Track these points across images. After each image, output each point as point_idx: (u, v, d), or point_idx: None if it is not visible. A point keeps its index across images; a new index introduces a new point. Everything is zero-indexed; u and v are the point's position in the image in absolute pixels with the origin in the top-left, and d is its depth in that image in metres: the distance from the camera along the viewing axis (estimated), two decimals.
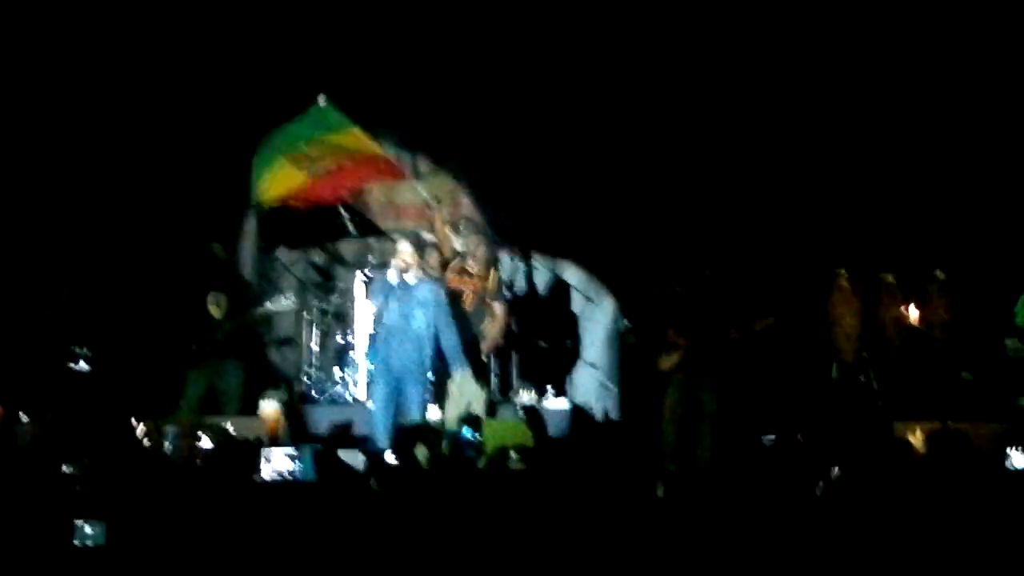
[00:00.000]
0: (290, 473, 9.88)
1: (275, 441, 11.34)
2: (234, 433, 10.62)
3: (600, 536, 7.32)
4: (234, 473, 8.30)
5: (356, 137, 12.84)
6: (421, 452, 9.27)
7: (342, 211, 13.90)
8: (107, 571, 6.80)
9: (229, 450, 8.74)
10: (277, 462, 9.96)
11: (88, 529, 6.82)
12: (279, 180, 12.87)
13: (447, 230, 13.51)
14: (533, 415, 12.11)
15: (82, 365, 12.96)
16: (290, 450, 10.10)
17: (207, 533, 6.97)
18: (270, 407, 11.93)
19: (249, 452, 9.40)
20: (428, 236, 13.65)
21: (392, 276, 11.77)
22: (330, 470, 9.07)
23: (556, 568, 6.79)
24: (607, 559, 7.07)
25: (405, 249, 11.90)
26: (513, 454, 9.22)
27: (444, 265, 13.16)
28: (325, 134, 12.86)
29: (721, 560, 7.16)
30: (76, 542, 6.86)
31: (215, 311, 12.94)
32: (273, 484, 9.50)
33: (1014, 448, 10.12)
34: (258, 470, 9.68)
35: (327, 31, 14.35)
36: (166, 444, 10.35)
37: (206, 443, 10.21)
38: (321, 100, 12.82)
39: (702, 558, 7.16)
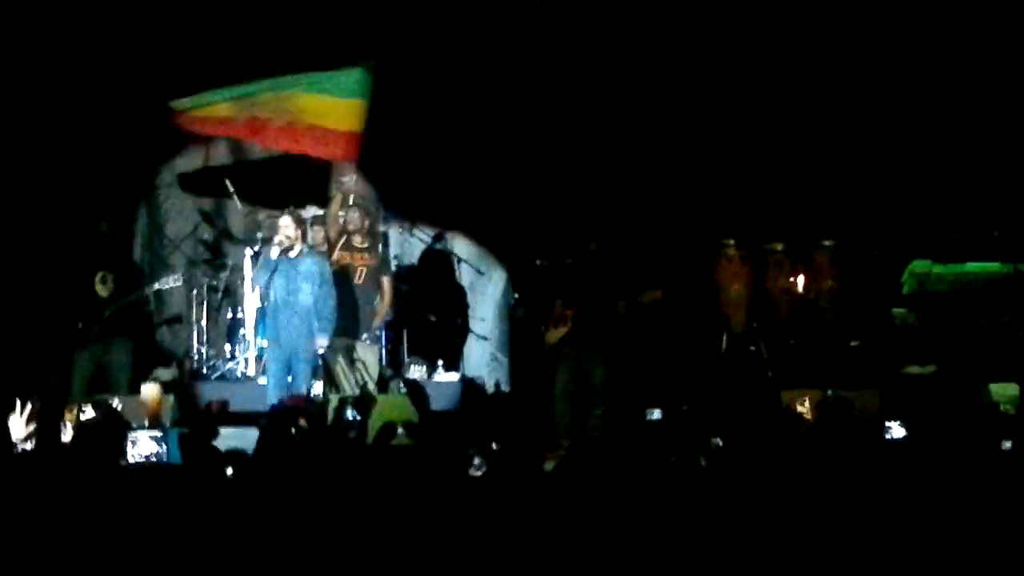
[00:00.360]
0: (156, 456, 9.87)
1: (157, 422, 11.27)
2: (91, 416, 10.54)
3: (487, 511, 7.31)
4: (97, 458, 8.20)
5: (350, 109, 12.93)
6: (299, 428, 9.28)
7: (227, 183, 13.94)
8: None
9: (93, 433, 8.62)
10: (143, 446, 9.93)
11: None
12: (207, 110, 13.07)
13: (338, 209, 13.46)
14: (415, 390, 12.10)
15: None
16: (156, 433, 10.08)
17: (62, 520, 6.90)
18: (150, 388, 11.81)
19: (115, 436, 9.30)
20: (312, 212, 13.63)
21: (274, 252, 11.76)
22: (196, 453, 9.01)
23: (437, 544, 6.76)
24: (495, 534, 7.03)
25: (286, 224, 11.92)
26: (400, 430, 9.23)
27: (330, 242, 13.14)
28: (319, 93, 13.02)
29: (609, 535, 7.17)
30: None
31: (102, 290, 12.80)
32: (135, 468, 9.44)
33: (894, 420, 10.26)
34: (124, 454, 9.62)
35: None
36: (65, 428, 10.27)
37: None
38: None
39: (590, 532, 7.15)
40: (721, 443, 8.84)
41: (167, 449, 9.99)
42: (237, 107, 13.08)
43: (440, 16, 14.30)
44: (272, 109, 13.05)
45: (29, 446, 8.32)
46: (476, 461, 8.01)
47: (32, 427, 9.60)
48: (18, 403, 8.83)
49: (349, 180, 13.72)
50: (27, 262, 13.62)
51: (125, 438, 9.59)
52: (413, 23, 14.28)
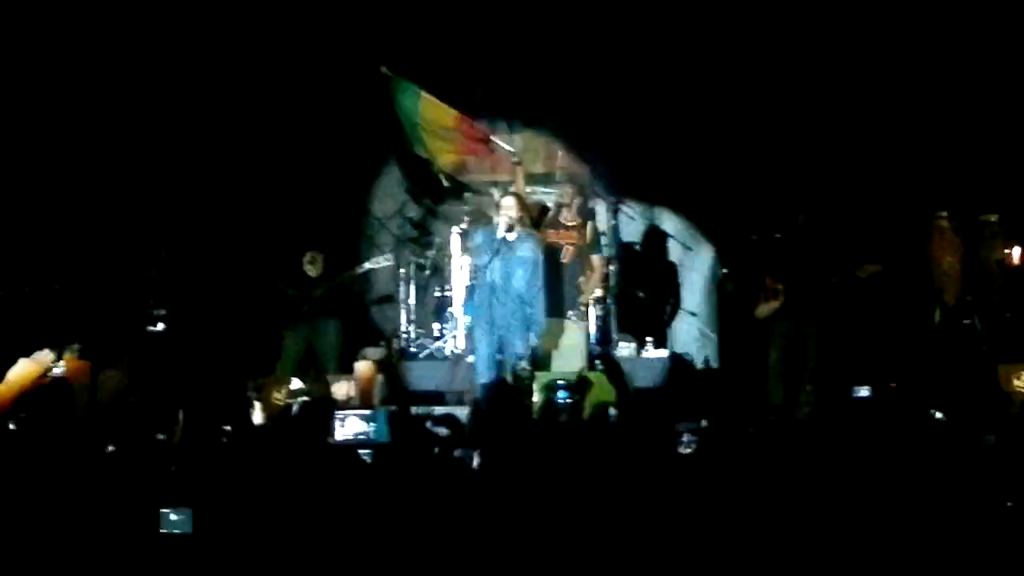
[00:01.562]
0: (364, 435, 10.04)
1: (368, 400, 11.50)
2: (307, 397, 10.78)
3: (696, 489, 7.35)
4: (306, 436, 8.40)
5: (434, 106, 13.17)
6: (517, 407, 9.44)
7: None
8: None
9: (302, 413, 8.84)
10: (351, 425, 10.12)
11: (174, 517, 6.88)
12: (437, 150, 13.33)
13: (524, 186, 13.55)
14: (613, 368, 12.17)
15: (159, 327, 13.23)
16: (364, 412, 10.26)
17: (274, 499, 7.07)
18: (364, 366, 12.04)
19: (323, 415, 9.51)
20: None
21: (500, 231, 11.84)
22: (404, 432, 9.16)
23: (647, 522, 6.84)
24: (704, 511, 7.08)
25: (509, 204, 11.92)
26: (612, 410, 9.30)
27: (535, 220, 13.23)
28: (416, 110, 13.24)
29: (817, 511, 7.17)
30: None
31: (311, 270, 13.13)
32: (344, 446, 9.61)
33: None
34: (332, 433, 9.83)
35: None
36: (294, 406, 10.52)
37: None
38: (384, 71, 13.11)
39: (797, 509, 7.16)
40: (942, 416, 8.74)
41: (375, 427, 10.14)
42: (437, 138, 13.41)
43: None
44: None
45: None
46: (686, 438, 8.01)
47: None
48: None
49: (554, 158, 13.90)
50: (236, 242, 14.05)
51: (333, 417, 9.83)
52: None
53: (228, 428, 8.37)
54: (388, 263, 13.50)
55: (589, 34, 14.39)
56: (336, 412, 10.08)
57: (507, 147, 13.50)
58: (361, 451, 8.50)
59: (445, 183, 14.00)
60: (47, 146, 13.94)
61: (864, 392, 10.04)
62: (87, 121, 14.10)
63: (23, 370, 8.22)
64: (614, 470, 7.32)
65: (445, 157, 13.38)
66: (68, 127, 14.03)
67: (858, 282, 12.13)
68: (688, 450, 7.99)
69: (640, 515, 6.75)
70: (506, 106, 14.66)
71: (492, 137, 13.40)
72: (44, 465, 6.95)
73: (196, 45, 14.25)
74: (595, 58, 14.38)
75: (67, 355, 10.55)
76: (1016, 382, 10.71)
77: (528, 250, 11.92)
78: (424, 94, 13.09)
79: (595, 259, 13.09)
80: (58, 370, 9.43)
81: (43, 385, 8.14)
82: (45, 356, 8.45)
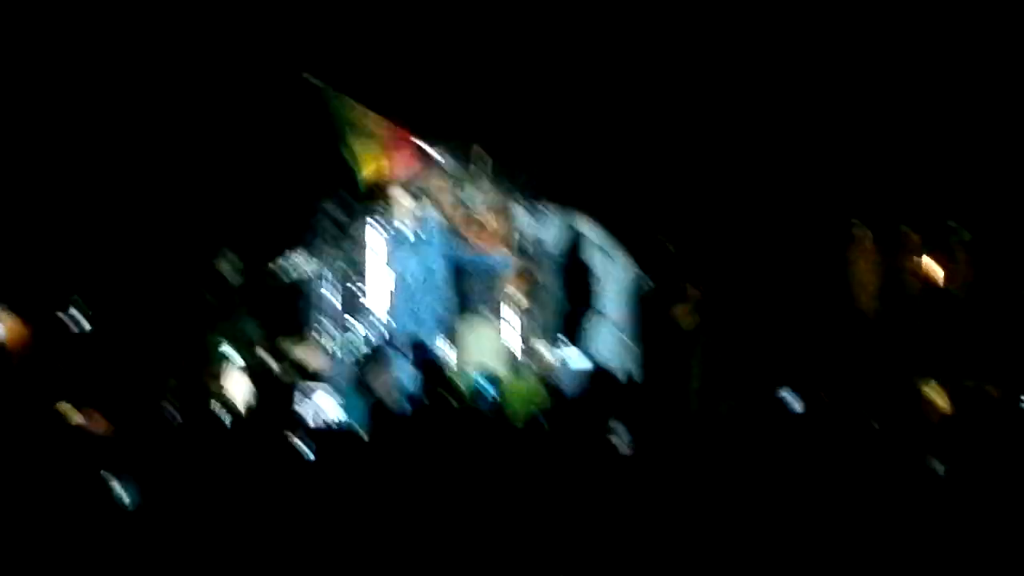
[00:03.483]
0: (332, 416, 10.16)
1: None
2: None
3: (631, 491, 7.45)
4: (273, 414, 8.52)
5: (360, 112, 13.46)
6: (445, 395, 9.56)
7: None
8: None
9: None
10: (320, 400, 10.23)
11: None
12: (363, 156, 13.58)
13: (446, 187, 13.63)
14: (550, 376, 12.33)
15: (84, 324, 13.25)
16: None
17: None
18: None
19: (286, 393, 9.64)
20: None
21: (405, 229, 11.94)
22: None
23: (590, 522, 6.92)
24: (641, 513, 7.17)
25: (405, 198, 12.66)
26: (537, 412, 9.35)
27: (451, 217, 13.31)
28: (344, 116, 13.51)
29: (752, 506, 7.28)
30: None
31: (227, 269, 13.17)
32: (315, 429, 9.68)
33: None
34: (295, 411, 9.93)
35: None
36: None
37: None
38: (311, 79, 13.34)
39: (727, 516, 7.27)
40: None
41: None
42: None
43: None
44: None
45: None
46: (622, 438, 8.12)
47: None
48: None
49: (442, 159, 13.94)
50: (157, 242, 13.95)
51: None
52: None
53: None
54: (306, 264, 13.46)
55: (511, 37, 14.44)
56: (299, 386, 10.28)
57: (430, 150, 13.60)
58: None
59: (362, 188, 14.09)
60: None
61: (790, 397, 10.13)
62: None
63: None
64: (555, 469, 7.41)
65: (370, 163, 13.48)
66: None
67: (775, 290, 12.27)
68: (627, 448, 8.07)
69: (585, 513, 6.83)
70: (429, 110, 14.58)
71: (415, 140, 13.53)
72: None
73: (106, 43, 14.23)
74: (517, 62, 14.42)
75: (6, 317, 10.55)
76: (933, 395, 10.80)
77: (441, 246, 12.54)
78: (349, 101, 13.18)
79: (513, 261, 13.15)
80: None
81: None
82: None
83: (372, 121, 13.42)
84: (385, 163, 13.73)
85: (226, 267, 13.24)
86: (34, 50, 14.39)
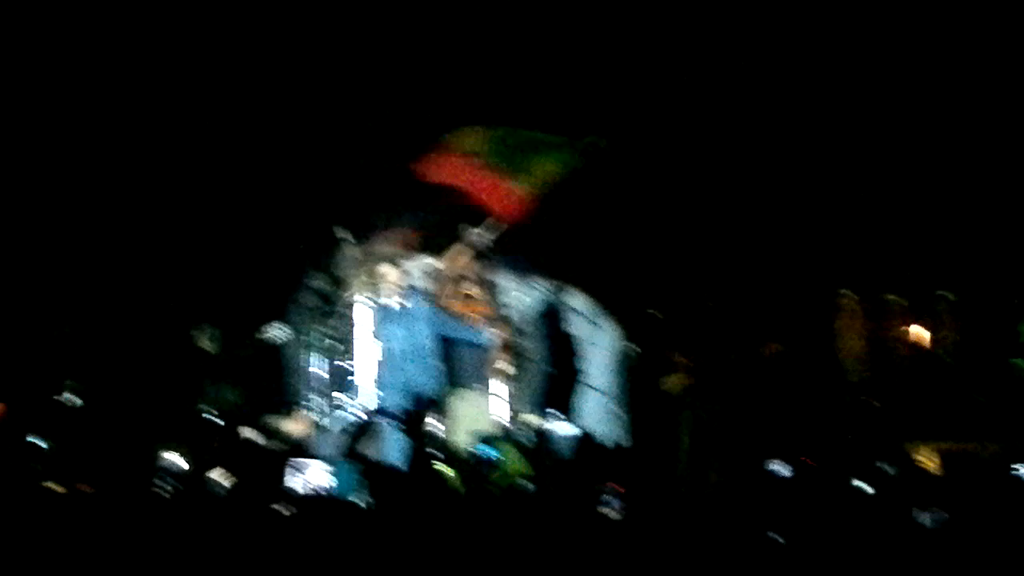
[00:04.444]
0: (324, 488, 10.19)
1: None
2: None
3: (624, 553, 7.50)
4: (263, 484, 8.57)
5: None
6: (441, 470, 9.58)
7: (340, 232, 14.07)
8: None
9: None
10: (312, 474, 10.25)
11: None
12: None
13: (457, 259, 13.69)
14: (541, 441, 12.34)
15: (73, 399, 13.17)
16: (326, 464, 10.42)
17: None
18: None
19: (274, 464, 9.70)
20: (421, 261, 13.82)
21: (389, 301, 12.38)
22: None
23: None
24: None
25: (391, 273, 12.75)
26: (528, 483, 9.43)
27: (437, 290, 13.39)
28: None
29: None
30: None
31: (204, 342, 13.22)
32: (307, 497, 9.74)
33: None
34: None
35: None
36: None
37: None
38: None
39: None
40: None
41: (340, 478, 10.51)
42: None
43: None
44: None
45: None
46: (613, 504, 8.18)
47: None
48: None
49: (479, 234, 13.98)
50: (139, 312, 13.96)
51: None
52: None
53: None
54: (285, 335, 13.49)
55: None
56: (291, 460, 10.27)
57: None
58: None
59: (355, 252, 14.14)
60: None
61: (779, 467, 10.17)
62: None
63: None
64: (545, 537, 7.46)
65: None
66: None
67: (763, 360, 12.31)
68: (617, 516, 8.13)
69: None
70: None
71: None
72: None
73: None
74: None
75: None
76: (924, 458, 10.89)
77: (427, 312, 12.66)
78: None
79: (496, 331, 13.19)
80: None
81: None
82: None
83: None
84: None
85: (207, 340, 13.26)
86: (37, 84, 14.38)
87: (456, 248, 13.68)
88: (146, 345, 13.74)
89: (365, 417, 13.08)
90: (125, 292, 14.22)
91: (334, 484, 10.66)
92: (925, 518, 8.44)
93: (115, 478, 8.89)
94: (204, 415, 13.02)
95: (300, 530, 7.77)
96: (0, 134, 14.31)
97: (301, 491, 10.54)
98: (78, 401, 13.12)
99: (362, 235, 14.22)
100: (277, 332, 13.51)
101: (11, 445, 11.20)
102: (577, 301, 14.49)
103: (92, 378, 13.40)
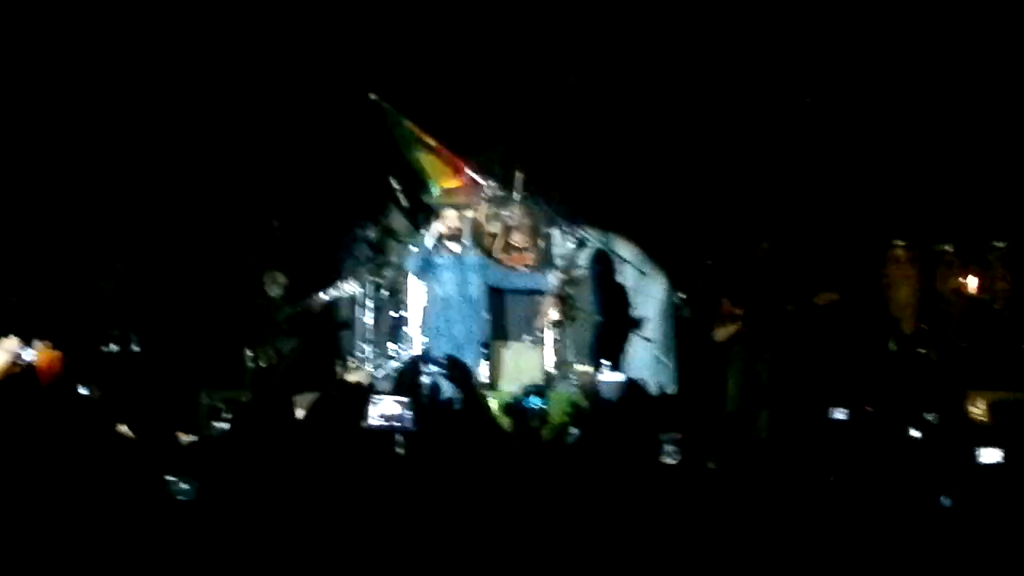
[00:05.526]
0: (396, 417, 10.19)
1: None
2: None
3: (647, 508, 7.47)
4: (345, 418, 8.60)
5: (419, 131, 13.76)
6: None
7: (393, 182, 14.19)
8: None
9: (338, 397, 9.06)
10: (384, 406, 10.28)
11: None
12: (435, 170, 13.84)
13: (487, 212, 13.83)
14: (589, 389, 12.39)
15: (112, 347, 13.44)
16: (400, 397, 10.48)
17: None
18: None
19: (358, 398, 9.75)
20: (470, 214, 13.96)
21: (429, 242, 12.55)
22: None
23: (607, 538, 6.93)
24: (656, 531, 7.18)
25: (451, 214, 12.78)
26: (572, 429, 9.41)
27: (486, 242, 13.60)
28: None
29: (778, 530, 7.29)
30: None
31: (273, 289, 13.43)
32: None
33: None
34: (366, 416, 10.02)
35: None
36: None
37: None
38: (372, 97, 13.55)
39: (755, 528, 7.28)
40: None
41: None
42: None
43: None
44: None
45: None
46: (668, 448, 8.13)
47: None
48: None
49: (490, 186, 14.04)
50: (201, 260, 14.24)
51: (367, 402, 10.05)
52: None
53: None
54: (351, 291, 13.79)
55: (547, 63, 14.54)
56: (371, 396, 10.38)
57: (478, 177, 13.87)
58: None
59: (403, 202, 14.24)
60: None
61: (840, 414, 10.16)
62: (47, 129, 14.16)
63: None
64: (598, 481, 7.43)
65: (439, 175, 13.85)
66: (26, 134, 14.11)
67: (816, 309, 12.31)
68: (671, 460, 8.07)
69: (630, 524, 6.84)
70: (467, 129, 14.69)
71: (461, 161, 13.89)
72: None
73: (162, 55, 14.34)
74: (553, 85, 14.51)
75: (40, 345, 10.61)
76: (973, 410, 10.85)
77: (477, 259, 12.84)
78: (407, 122, 13.67)
79: (551, 281, 13.27)
80: (28, 357, 9.60)
81: (13, 374, 8.32)
82: (11, 343, 8.66)
83: (431, 140, 13.72)
84: (452, 176, 13.95)
85: (270, 290, 13.48)
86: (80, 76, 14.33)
87: (504, 198, 13.73)
88: (215, 298, 14.02)
89: (415, 365, 13.20)
90: (198, 251, 14.38)
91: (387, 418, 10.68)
92: (975, 467, 8.34)
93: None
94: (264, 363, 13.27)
95: (359, 460, 7.79)
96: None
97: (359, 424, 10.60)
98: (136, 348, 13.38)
99: (414, 188, 14.41)
100: (340, 291, 13.62)
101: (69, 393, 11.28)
102: (626, 250, 14.62)
103: (157, 325, 13.71)
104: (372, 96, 13.53)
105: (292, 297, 13.67)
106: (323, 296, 13.64)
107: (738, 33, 14.43)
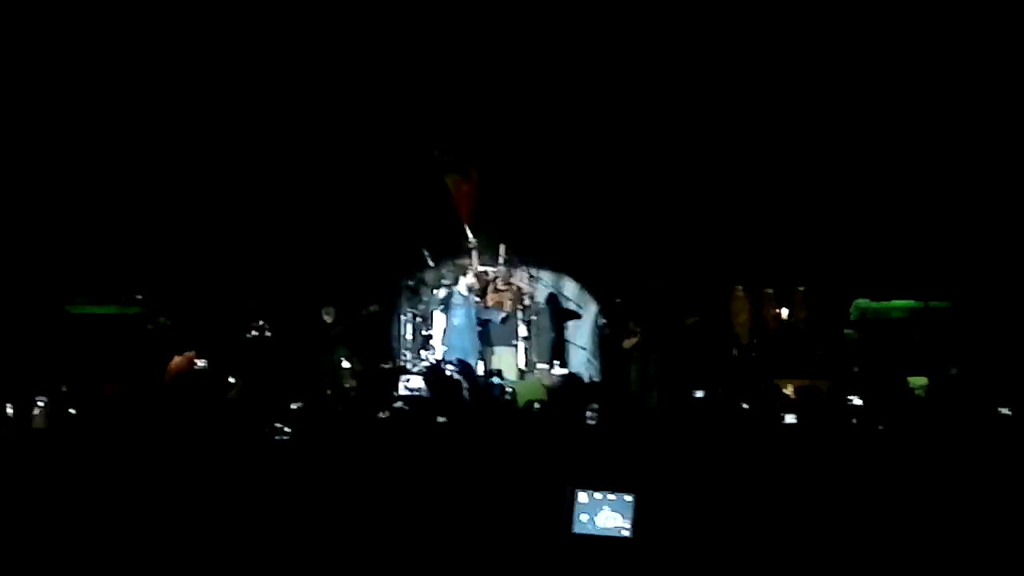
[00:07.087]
0: (419, 390, 10.51)
1: None
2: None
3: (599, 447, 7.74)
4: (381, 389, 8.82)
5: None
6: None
7: (425, 253, 14.17)
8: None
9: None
10: (413, 382, 10.60)
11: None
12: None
13: (477, 262, 14.06)
14: (546, 379, 12.84)
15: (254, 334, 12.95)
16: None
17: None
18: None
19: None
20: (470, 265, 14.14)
21: (463, 290, 12.98)
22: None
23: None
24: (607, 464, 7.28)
25: (471, 278, 13.22)
26: (536, 404, 9.77)
27: (480, 289, 13.78)
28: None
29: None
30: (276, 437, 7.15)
31: (327, 316, 13.39)
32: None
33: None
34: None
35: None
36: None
37: None
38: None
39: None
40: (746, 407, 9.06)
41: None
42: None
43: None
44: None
45: None
46: (589, 414, 8.50)
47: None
48: None
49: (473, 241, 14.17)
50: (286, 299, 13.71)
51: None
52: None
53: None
54: (376, 310, 13.62)
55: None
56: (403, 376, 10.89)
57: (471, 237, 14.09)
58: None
59: (431, 263, 14.30)
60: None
61: (700, 394, 10.35)
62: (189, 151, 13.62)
63: (179, 361, 9.05)
64: (547, 436, 7.82)
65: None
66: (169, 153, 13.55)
67: (686, 327, 12.48)
68: (592, 422, 8.40)
69: (566, 459, 7.24)
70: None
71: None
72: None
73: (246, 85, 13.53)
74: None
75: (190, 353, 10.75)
76: (785, 390, 10.88)
77: (473, 304, 13.19)
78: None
79: (519, 311, 13.80)
80: (201, 363, 9.87)
81: (193, 370, 8.74)
82: (190, 353, 9.21)
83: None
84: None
85: (324, 317, 13.40)
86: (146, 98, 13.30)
87: (489, 264, 14.03)
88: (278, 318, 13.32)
89: (438, 365, 13.32)
90: (269, 282, 13.73)
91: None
92: (785, 425, 8.48)
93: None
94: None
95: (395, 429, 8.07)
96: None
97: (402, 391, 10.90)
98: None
99: (436, 256, 14.49)
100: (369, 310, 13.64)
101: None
102: (569, 290, 14.81)
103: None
104: (437, 153, 13.48)
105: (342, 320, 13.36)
106: (365, 311, 13.39)
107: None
